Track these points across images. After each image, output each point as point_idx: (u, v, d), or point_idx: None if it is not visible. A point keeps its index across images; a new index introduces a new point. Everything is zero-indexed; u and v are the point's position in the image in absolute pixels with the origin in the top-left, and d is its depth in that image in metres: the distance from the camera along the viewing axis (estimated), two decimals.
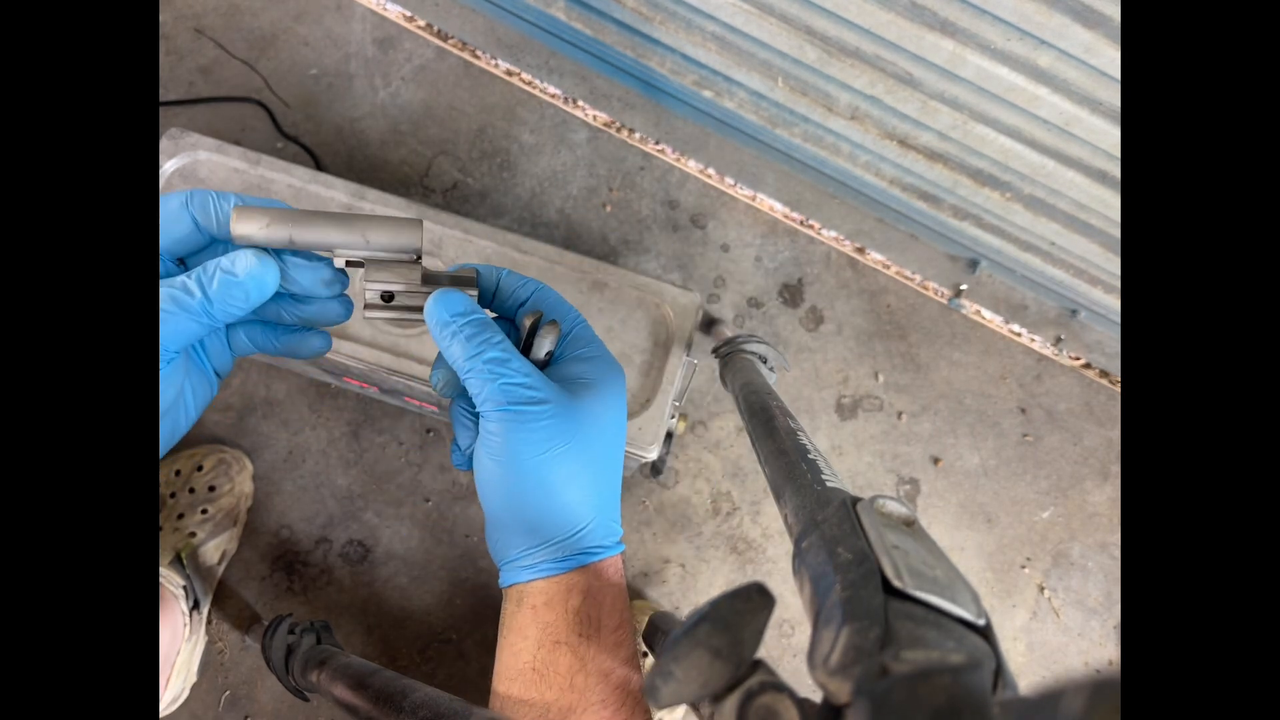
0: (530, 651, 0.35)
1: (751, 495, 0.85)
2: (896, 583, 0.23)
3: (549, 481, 0.34)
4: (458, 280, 0.36)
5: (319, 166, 0.91)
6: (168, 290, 0.31)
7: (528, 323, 0.35)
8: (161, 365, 0.32)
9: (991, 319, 0.95)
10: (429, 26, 1.00)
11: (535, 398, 0.33)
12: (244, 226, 0.31)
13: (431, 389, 0.36)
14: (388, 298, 0.35)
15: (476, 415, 0.35)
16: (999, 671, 0.22)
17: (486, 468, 0.34)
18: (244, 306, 0.32)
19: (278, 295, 0.34)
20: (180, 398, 0.34)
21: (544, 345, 0.35)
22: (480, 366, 0.33)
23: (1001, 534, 0.87)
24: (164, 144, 0.69)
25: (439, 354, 0.36)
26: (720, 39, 0.86)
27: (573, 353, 0.37)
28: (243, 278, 0.32)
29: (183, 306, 0.31)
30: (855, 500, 0.29)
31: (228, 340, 0.37)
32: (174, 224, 0.33)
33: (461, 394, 0.37)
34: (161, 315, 0.31)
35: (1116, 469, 0.90)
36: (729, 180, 0.97)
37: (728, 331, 0.69)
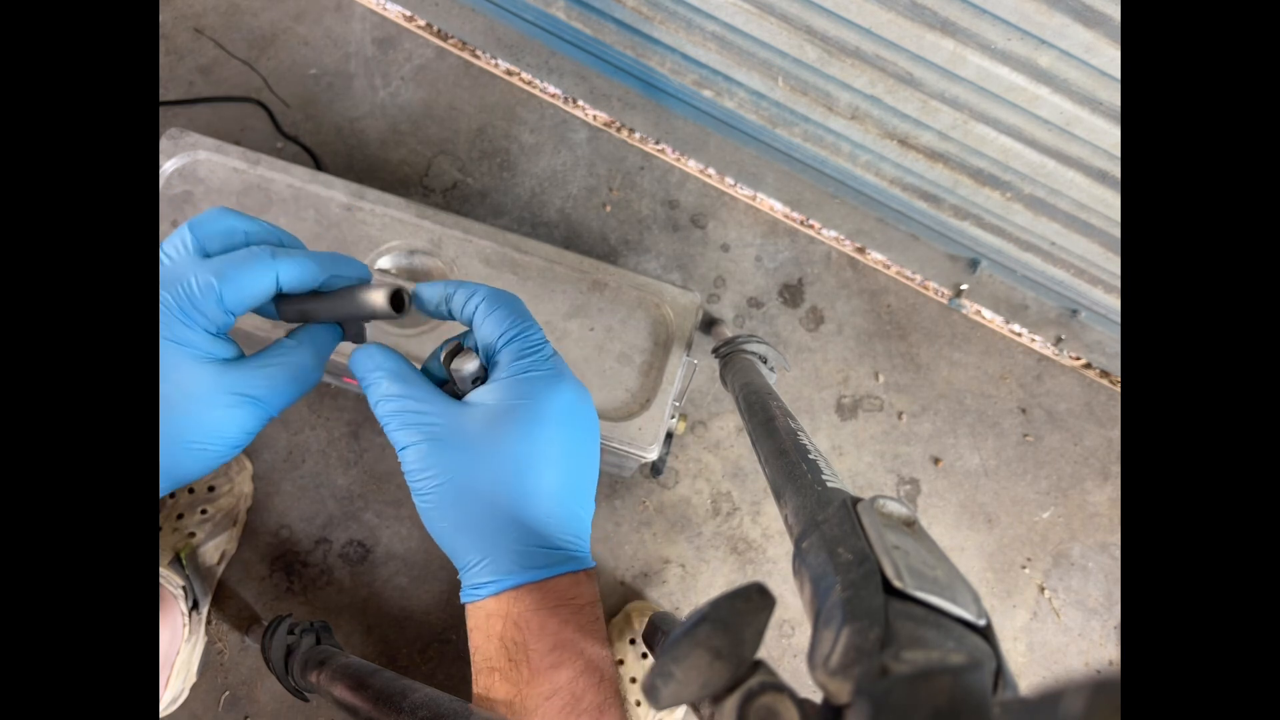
0: (476, 677, 0.35)
1: (751, 495, 0.85)
2: (897, 583, 0.23)
3: (460, 507, 0.34)
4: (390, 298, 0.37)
5: (319, 166, 0.91)
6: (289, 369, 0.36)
7: (444, 355, 0.36)
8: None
9: (992, 319, 0.95)
10: (429, 26, 1.00)
11: (429, 431, 0.34)
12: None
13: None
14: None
15: None
16: (999, 672, 0.22)
17: (415, 502, 0.35)
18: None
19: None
20: None
21: (466, 373, 0.36)
22: (382, 412, 0.35)
23: (1002, 534, 0.87)
24: (164, 144, 0.69)
25: None
26: (720, 38, 0.86)
27: (504, 374, 0.35)
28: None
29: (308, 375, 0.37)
30: (855, 500, 0.29)
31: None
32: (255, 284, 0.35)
33: None
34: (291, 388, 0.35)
35: (1116, 469, 0.90)
36: (729, 180, 0.97)
37: (728, 331, 0.69)
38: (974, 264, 0.96)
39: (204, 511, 0.73)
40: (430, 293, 0.37)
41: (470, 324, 0.37)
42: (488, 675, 0.34)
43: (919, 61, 0.75)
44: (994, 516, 0.87)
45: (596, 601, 0.37)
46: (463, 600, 0.36)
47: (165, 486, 0.33)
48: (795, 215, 0.97)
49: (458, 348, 0.37)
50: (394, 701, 0.44)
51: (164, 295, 0.32)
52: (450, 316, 0.37)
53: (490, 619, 0.34)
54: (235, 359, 0.34)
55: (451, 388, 0.38)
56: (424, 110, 0.96)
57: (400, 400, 0.34)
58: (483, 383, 0.36)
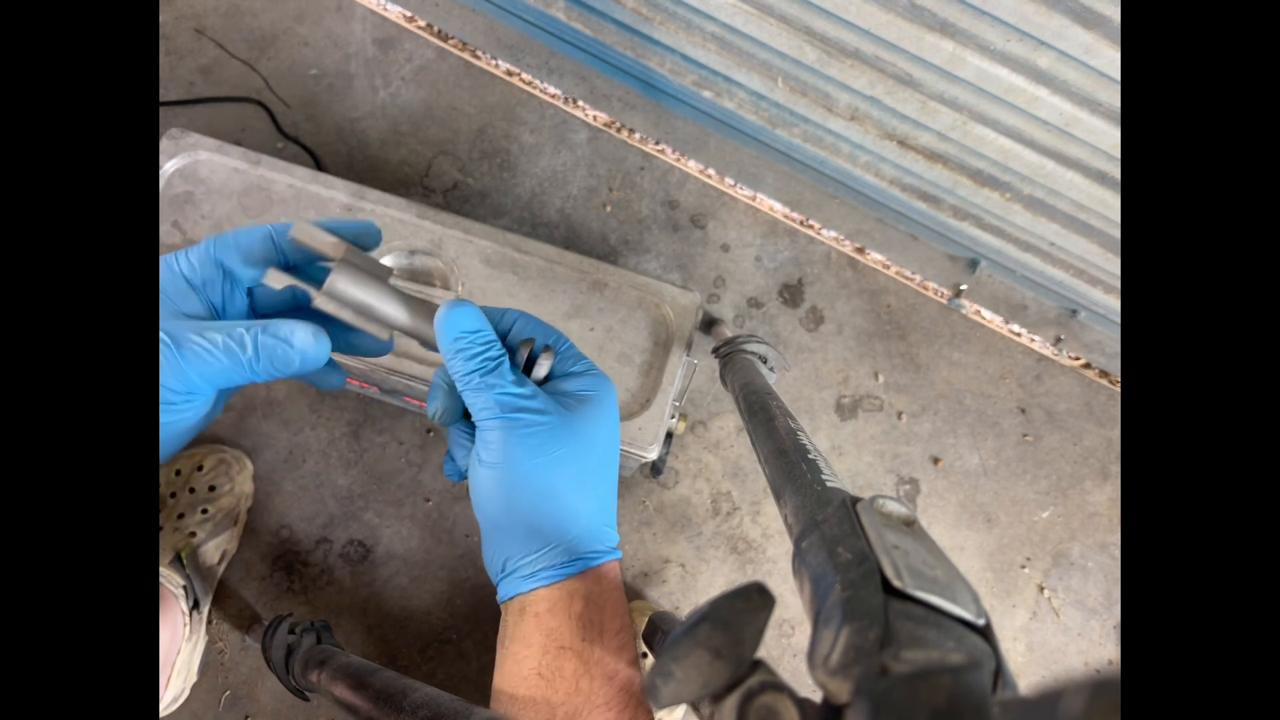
0: (535, 658, 0.35)
1: (751, 495, 0.85)
2: (896, 583, 0.23)
3: (546, 488, 0.35)
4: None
5: (319, 166, 0.91)
6: (226, 337, 0.33)
7: (524, 352, 0.38)
8: (204, 398, 0.34)
9: (991, 319, 0.95)
10: (429, 27, 1.00)
11: (533, 407, 0.35)
12: (341, 284, 0.34)
13: (430, 418, 0.38)
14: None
15: (473, 434, 0.37)
16: (999, 671, 0.22)
17: (483, 477, 0.35)
18: (287, 372, 0.34)
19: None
20: (206, 420, 0.36)
21: (542, 369, 0.38)
22: (480, 380, 0.35)
23: (1001, 534, 0.87)
24: (164, 144, 0.69)
25: (433, 385, 0.38)
26: (720, 39, 0.86)
27: (565, 370, 0.39)
28: (296, 349, 0.34)
29: (233, 359, 0.33)
30: (855, 500, 0.30)
31: None
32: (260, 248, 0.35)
33: (457, 420, 0.39)
34: (215, 356, 0.33)
35: (1116, 469, 0.90)
36: (729, 180, 0.97)
37: (728, 331, 0.69)
38: (973, 264, 0.96)
39: (205, 511, 0.73)
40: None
41: (510, 332, 0.39)
42: (556, 656, 0.35)
43: (918, 62, 0.76)
44: (994, 516, 0.87)
45: None
46: (537, 585, 0.35)
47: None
48: (795, 215, 0.97)
49: (534, 342, 0.38)
50: (394, 701, 0.44)
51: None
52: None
53: (572, 598, 0.35)
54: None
55: None
56: (424, 111, 0.96)
57: (505, 373, 0.35)
58: (548, 380, 0.38)
